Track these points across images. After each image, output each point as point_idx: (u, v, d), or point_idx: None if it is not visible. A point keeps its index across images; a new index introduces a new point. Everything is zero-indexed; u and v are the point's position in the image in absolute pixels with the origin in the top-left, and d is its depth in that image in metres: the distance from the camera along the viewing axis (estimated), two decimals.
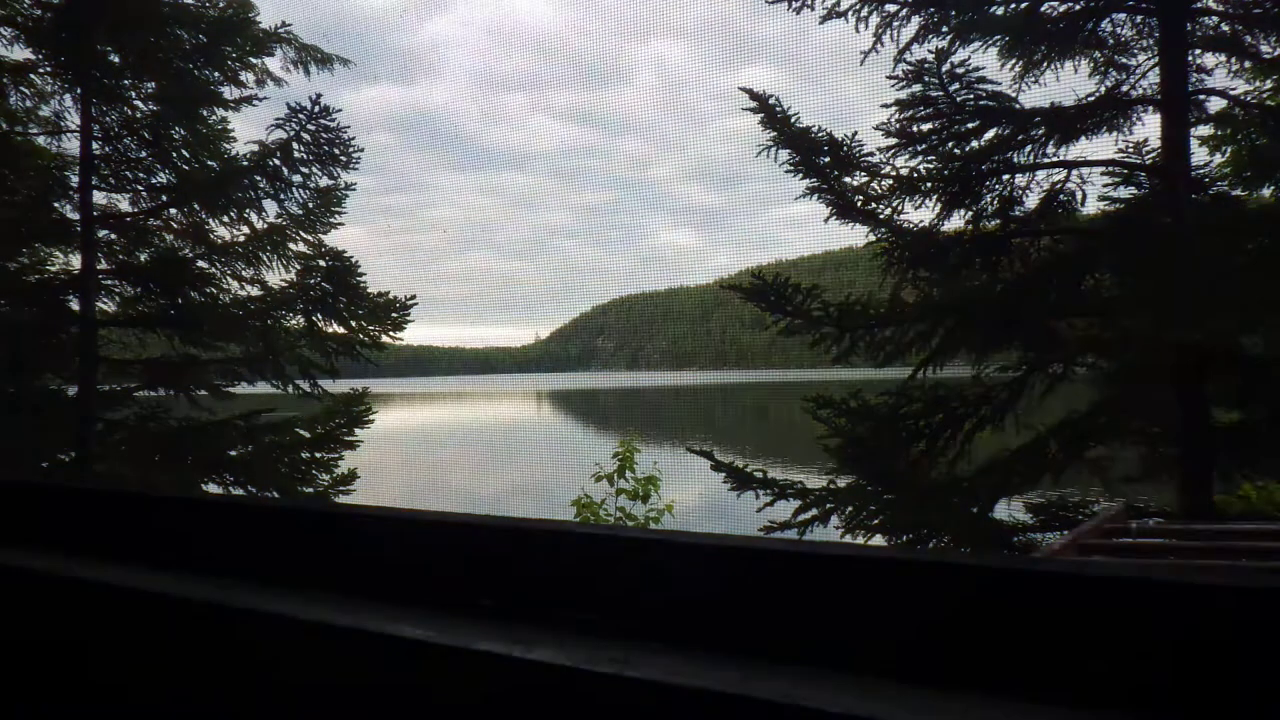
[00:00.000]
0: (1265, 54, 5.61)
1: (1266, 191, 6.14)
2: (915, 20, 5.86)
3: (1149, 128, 5.87)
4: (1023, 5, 5.76)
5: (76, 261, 6.88)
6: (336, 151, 6.85)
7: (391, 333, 7.17)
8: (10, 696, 1.16)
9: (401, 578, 0.95)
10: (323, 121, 6.71)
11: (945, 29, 5.83)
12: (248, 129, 6.93)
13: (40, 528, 1.33)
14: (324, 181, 6.98)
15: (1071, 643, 0.62)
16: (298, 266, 7.08)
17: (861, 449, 5.90)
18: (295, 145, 6.75)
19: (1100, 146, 6.03)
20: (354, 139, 6.84)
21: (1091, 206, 6.05)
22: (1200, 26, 5.66)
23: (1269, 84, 5.83)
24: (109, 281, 7.04)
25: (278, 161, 6.77)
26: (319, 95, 6.65)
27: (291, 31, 7.14)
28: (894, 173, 5.83)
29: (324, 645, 0.88)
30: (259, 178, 6.84)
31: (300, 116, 6.67)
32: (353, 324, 7.05)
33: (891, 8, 5.84)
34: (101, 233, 6.97)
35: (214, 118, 6.96)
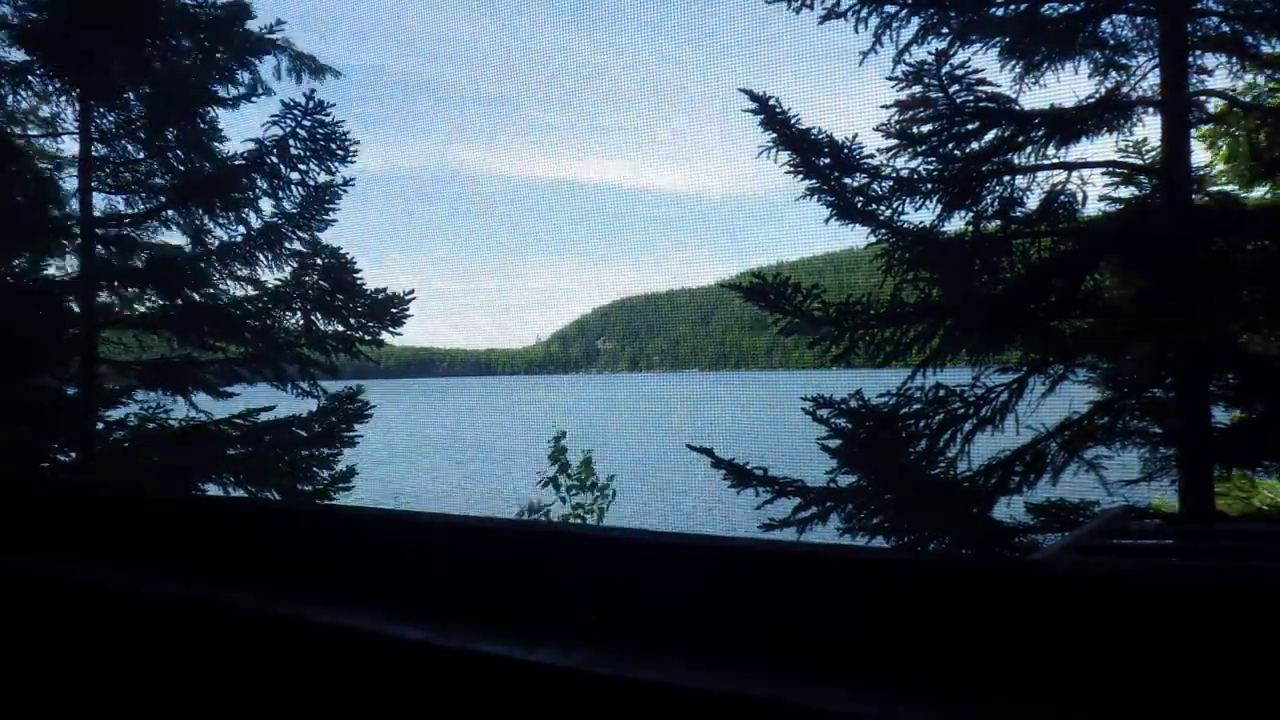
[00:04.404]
0: (1265, 54, 5.61)
1: (1261, 191, 6.14)
2: (915, 21, 5.87)
3: (1149, 128, 5.88)
4: (1023, 7, 5.76)
5: (76, 263, 6.89)
6: (334, 146, 6.85)
7: (391, 329, 7.17)
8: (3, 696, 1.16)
9: (401, 579, 0.95)
10: (318, 117, 6.72)
11: (945, 30, 5.83)
12: (240, 132, 6.92)
13: (39, 528, 1.32)
14: (322, 178, 6.99)
15: (1070, 642, 0.61)
16: (293, 265, 7.08)
17: (861, 449, 5.90)
18: (292, 142, 6.76)
19: (1101, 147, 6.04)
20: (349, 133, 6.85)
21: (1092, 207, 6.06)
22: (1200, 27, 5.67)
23: (1264, 80, 5.84)
24: (109, 283, 7.04)
25: (275, 159, 6.77)
26: (313, 91, 6.67)
27: (287, 39, 7.16)
28: (894, 174, 5.84)
29: (323, 646, 0.87)
30: (256, 176, 6.84)
31: (296, 113, 6.68)
32: (351, 321, 7.05)
33: (891, 9, 5.84)
34: (100, 233, 6.97)
35: (209, 115, 6.97)
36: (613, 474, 7.97)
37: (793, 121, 5.87)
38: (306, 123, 6.73)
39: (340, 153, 6.91)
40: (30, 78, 6.76)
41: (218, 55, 6.89)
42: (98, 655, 1.07)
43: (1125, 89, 5.92)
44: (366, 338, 7.15)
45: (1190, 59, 5.61)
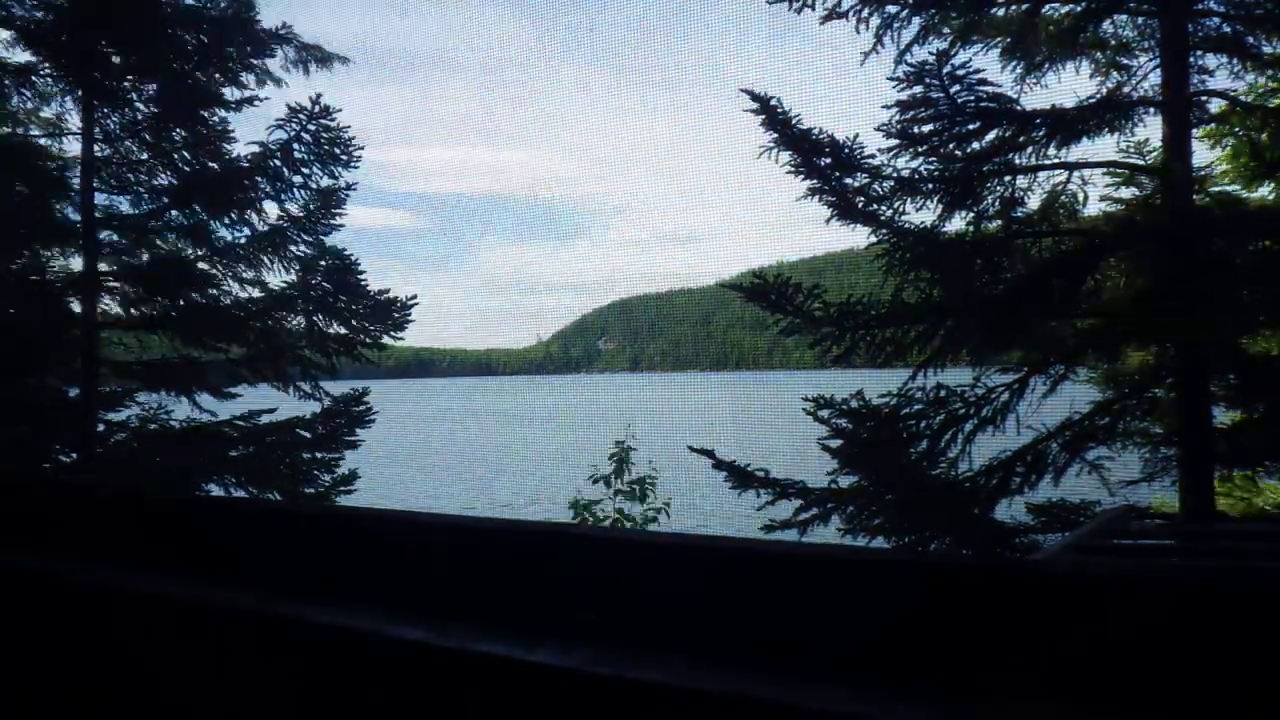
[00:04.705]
0: (1266, 54, 5.61)
1: (1265, 190, 6.14)
2: (916, 21, 5.87)
3: (1150, 129, 5.88)
4: (1024, 7, 5.76)
5: (78, 263, 6.89)
6: (337, 151, 6.85)
7: (393, 333, 7.16)
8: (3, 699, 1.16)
9: (401, 580, 0.95)
10: (323, 121, 6.71)
11: (946, 30, 5.83)
12: (248, 130, 6.93)
13: (39, 528, 1.32)
14: (325, 181, 6.99)
15: (1070, 642, 0.61)
16: (296, 267, 7.08)
17: (862, 450, 5.90)
18: (296, 146, 6.75)
19: (1102, 148, 6.04)
20: (354, 138, 6.84)
21: (1093, 207, 6.06)
22: (1201, 27, 5.67)
23: (1267, 81, 5.84)
24: (111, 283, 7.05)
25: (279, 162, 6.77)
26: (319, 95, 6.66)
27: (293, 31, 7.16)
28: (895, 174, 5.83)
29: (323, 646, 0.87)
30: (260, 179, 6.84)
31: (300, 116, 6.67)
32: (354, 323, 7.05)
33: (892, 9, 5.84)
34: (103, 234, 6.98)
35: (214, 119, 6.96)
36: (669, 499, 8.07)
37: (794, 121, 5.87)
38: (311, 127, 6.73)
39: (344, 157, 6.92)
40: (34, 78, 6.77)
41: (226, 54, 6.89)
42: (98, 655, 1.07)
43: (1126, 89, 5.92)
44: (368, 341, 7.15)
45: (1191, 59, 5.61)
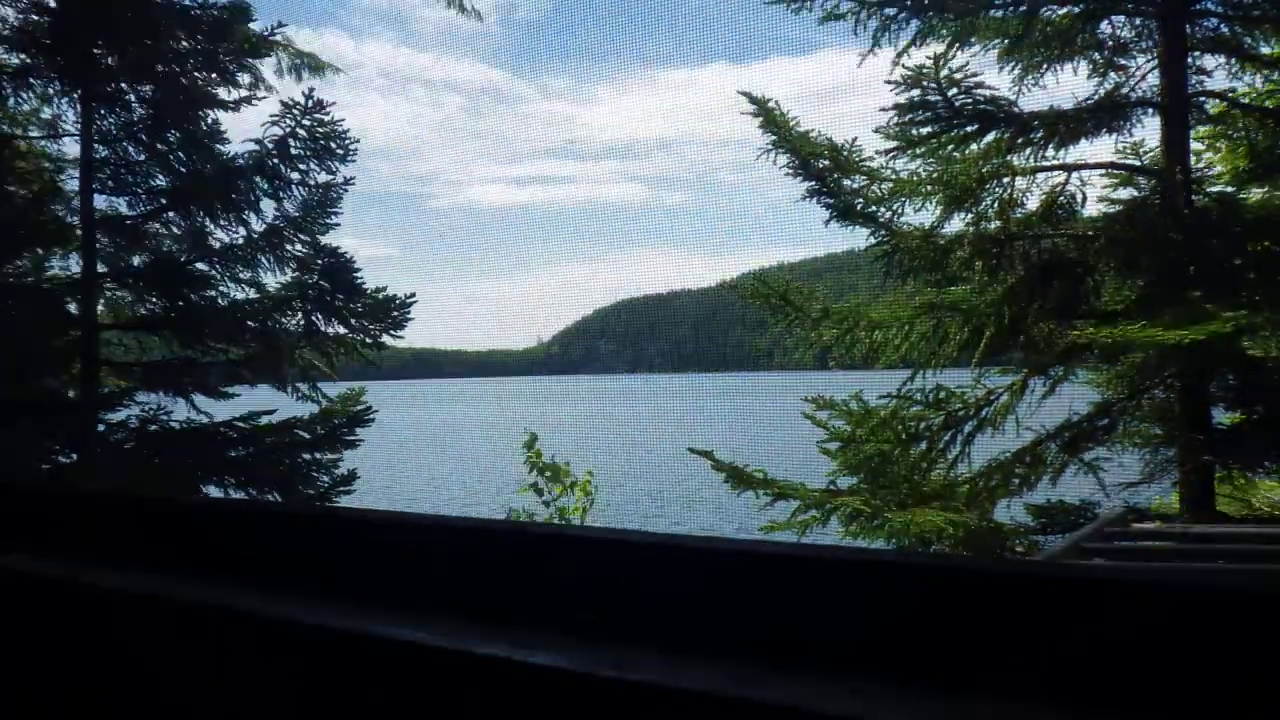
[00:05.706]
0: (1265, 54, 5.61)
1: (1261, 192, 6.13)
2: (914, 24, 5.87)
3: (1149, 130, 5.87)
4: (1021, 8, 5.76)
5: (77, 264, 6.89)
6: (333, 145, 6.83)
7: (392, 331, 7.14)
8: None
9: (401, 579, 0.95)
10: (317, 116, 6.71)
11: (944, 33, 5.83)
12: (241, 132, 6.94)
13: (38, 528, 1.32)
14: (322, 177, 6.97)
15: (1070, 643, 0.61)
16: (293, 267, 7.06)
17: (862, 451, 5.91)
18: (291, 141, 6.74)
19: (1100, 149, 6.03)
20: (348, 131, 6.83)
21: (1092, 209, 6.06)
22: (1200, 28, 5.67)
23: (1262, 82, 5.84)
24: (109, 285, 7.04)
25: (275, 160, 6.76)
26: (312, 90, 6.67)
27: (286, 35, 7.16)
28: (894, 176, 5.84)
29: (323, 646, 0.87)
30: (257, 178, 6.83)
31: (295, 112, 6.66)
32: (352, 322, 7.03)
33: (890, 11, 5.84)
34: (101, 235, 6.97)
35: (210, 118, 6.95)
36: (590, 470, 7.75)
37: (792, 123, 5.87)
38: (306, 122, 6.72)
39: (340, 152, 6.90)
40: (32, 80, 6.76)
41: (219, 56, 6.89)
42: (97, 656, 1.07)
43: (1124, 90, 5.92)
44: (368, 340, 7.13)
45: (1190, 60, 5.61)
